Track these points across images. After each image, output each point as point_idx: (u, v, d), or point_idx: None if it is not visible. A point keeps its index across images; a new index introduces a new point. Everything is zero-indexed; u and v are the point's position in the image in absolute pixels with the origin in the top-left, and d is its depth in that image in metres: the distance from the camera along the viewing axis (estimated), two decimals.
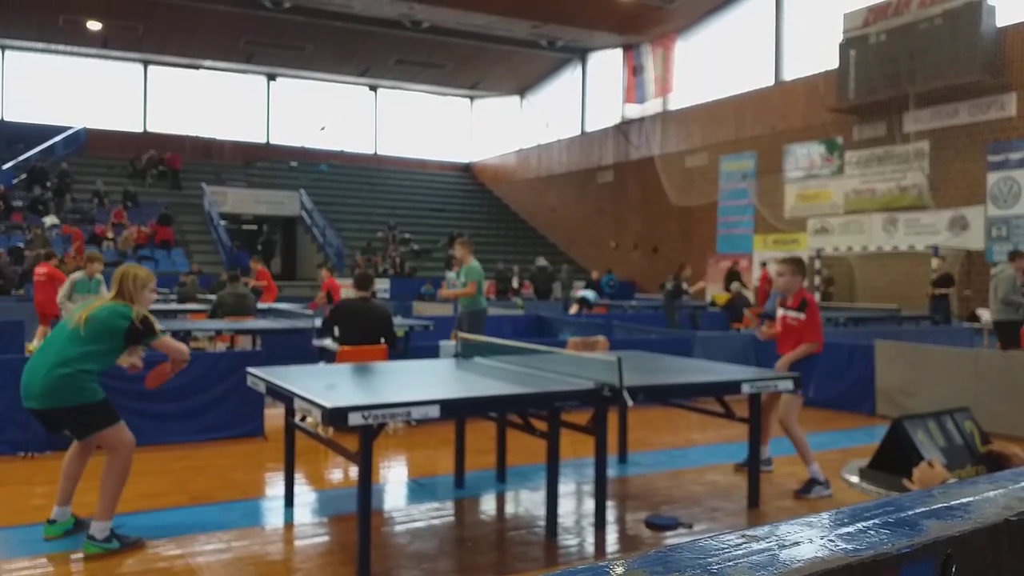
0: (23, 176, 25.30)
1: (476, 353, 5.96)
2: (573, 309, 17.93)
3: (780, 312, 5.94)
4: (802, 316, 5.70)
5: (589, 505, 5.20)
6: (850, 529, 0.69)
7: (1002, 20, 16.55)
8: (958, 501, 0.77)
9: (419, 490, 5.69)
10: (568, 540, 4.66)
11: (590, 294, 18.62)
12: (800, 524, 0.70)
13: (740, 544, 0.64)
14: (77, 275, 10.04)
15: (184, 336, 8.97)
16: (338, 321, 7.20)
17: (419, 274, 25.37)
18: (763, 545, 0.64)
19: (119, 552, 4.24)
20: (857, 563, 0.61)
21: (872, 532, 0.67)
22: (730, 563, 0.60)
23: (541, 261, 23.55)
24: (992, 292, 10.21)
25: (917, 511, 0.74)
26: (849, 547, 0.63)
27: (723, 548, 0.63)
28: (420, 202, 31.29)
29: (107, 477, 4.34)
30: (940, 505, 0.76)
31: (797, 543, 0.65)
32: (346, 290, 14.53)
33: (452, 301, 9.65)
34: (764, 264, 19.27)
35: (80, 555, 4.20)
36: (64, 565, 4.06)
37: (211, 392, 6.90)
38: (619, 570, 0.59)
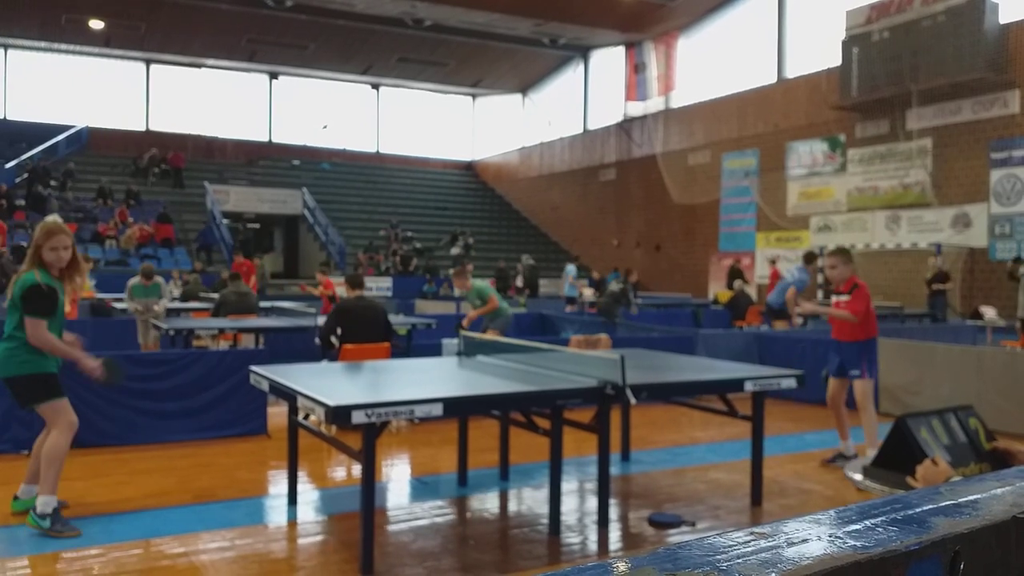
0: (25, 175, 25.32)
1: (479, 351, 5.96)
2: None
3: (833, 299, 6.36)
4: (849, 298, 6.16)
5: (592, 503, 5.20)
6: (858, 526, 0.68)
7: (1005, 17, 16.52)
8: (966, 498, 0.77)
9: (422, 488, 5.69)
10: (571, 538, 4.66)
11: (570, 289, 18.67)
12: (808, 521, 0.70)
13: (749, 541, 0.64)
14: (134, 280, 10.99)
15: (187, 335, 8.99)
16: (340, 321, 7.20)
17: (420, 272, 25.38)
18: (771, 542, 0.64)
19: (61, 537, 4.33)
20: (866, 560, 0.60)
21: (880, 529, 0.67)
22: (739, 560, 0.60)
23: (529, 259, 23.75)
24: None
25: (925, 508, 0.74)
26: (858, 544, 0.63)
27: (732, 545, 0.63)
28: (422, 200, 31.29)
29: (45, 453, 4.46)
30: (948, 502, 0.76)
31: (805, 540, 0.65)
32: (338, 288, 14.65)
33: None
34: (773, 262, 19.25)
35: (81, 552, 4.20)
36: (67, 563, 4.07)
37: (214, 390, 6.91)
38: (628, 567, 0.59)
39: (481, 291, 9.36)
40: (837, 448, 6.43)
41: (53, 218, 4.70)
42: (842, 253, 6.29)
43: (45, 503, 4.39)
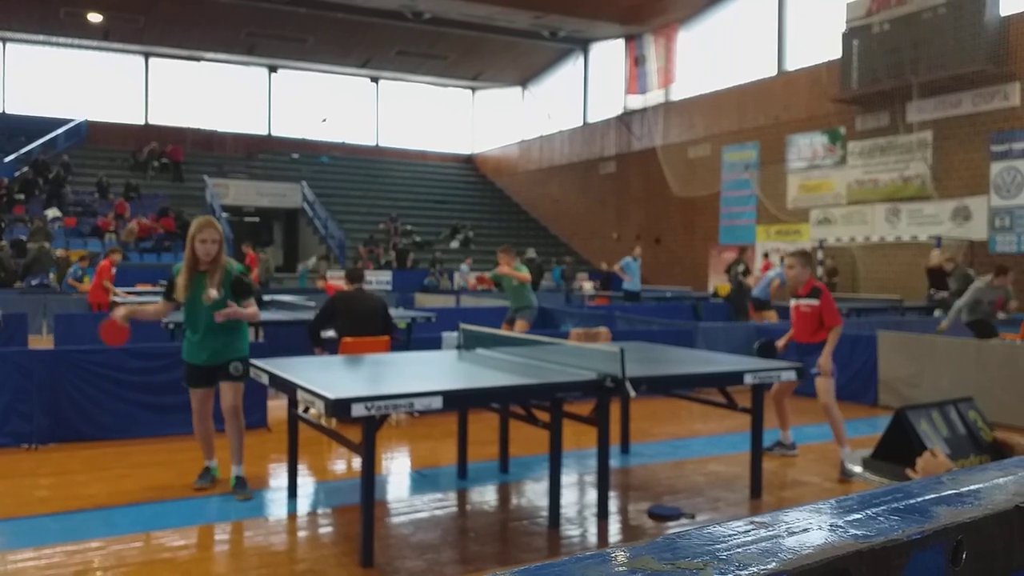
0: (25, 169, 25.28)
1: (478, 344, 5.95)
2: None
3: (793, 302, 6.40)
4: (816, 302, 6.16)
5: (592, 495, 5.20)
6: (859, 515, 0.68)
7: (1006, 9, 16.46)
8: (968, 488, 0.77)
9: (422, 481, 5.69)
10: (571, 530, 4.66)
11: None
12: (808, 511, 0.70)
13: (748, 531, 0.63)
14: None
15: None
16: (336, 312, 7.17)
17: (421, 266, 25.36)
18: (772, 532, 0.63)
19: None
20: (867, 549, 0.60)
21: (882, 518, 0.66)
22: (739, 549, 0.59)
23: (530, 252, 23.72)
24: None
25: (927, 498, 0.73)
26: (859, 533, 0.63)
27: (731, 535, 0.63)
28: (422, 194, 31.25)
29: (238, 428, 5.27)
30: (950, 492, 0.75)
31: (806, 529, 0.64)
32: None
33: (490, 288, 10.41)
34: (766, 255, 19.24)
35: (82, 545, 4.20)
36: (67, 556, 4.07)
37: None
38: (627, 556, 0.58)
39: (519, 268, 10.09)
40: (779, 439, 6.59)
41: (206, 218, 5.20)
42: (801, 255, 6.40)
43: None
